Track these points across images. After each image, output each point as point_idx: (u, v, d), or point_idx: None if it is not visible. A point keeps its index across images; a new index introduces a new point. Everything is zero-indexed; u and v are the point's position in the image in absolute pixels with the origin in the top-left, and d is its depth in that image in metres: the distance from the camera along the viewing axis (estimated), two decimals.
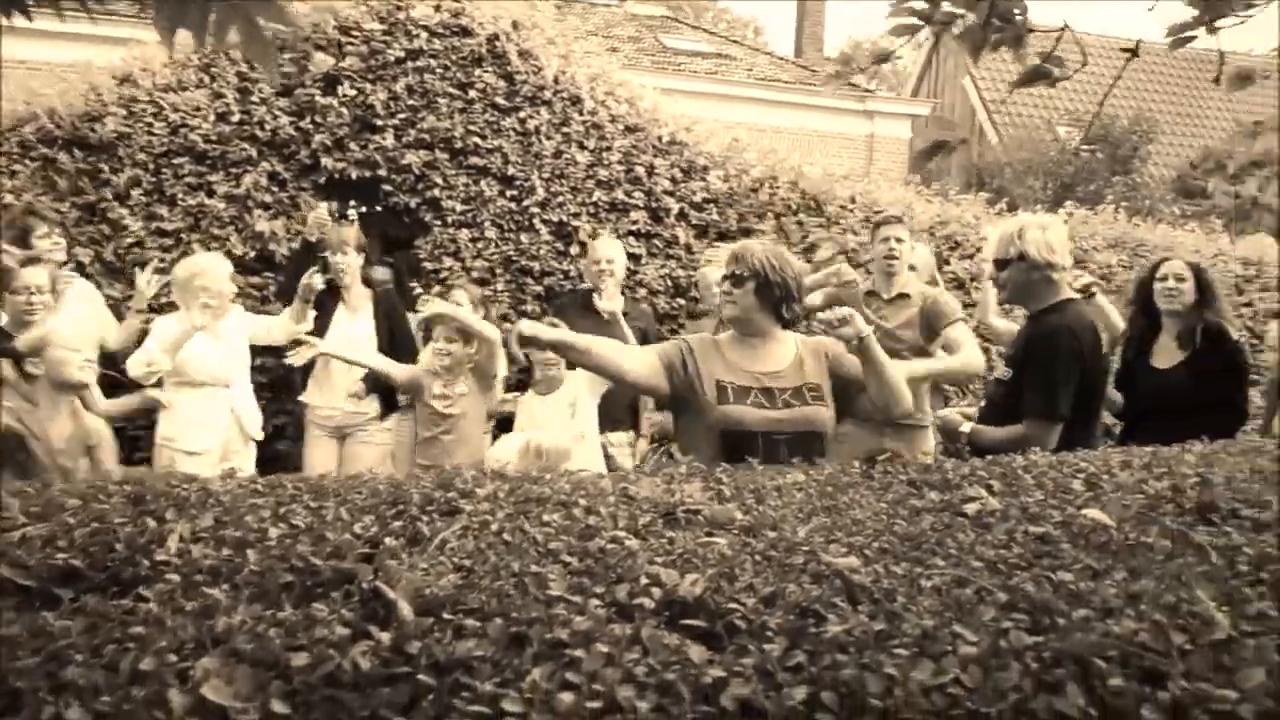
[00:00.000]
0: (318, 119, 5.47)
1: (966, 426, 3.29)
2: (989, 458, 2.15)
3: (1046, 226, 3.25)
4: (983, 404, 3.48)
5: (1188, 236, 7.64)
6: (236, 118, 5.39)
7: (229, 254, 4.98)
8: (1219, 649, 1.00)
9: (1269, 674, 0.96)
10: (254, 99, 5.42)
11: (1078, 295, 3.30)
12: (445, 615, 1.02)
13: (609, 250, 4.97)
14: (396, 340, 4.66)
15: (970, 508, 1.49)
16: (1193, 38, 2.28)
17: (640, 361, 2.78)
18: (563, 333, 2.85)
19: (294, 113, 5.46)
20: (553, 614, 1.02)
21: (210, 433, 4.22)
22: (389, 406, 4.64)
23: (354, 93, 5.51)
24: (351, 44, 5.57)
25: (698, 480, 1.72)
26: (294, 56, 5.47)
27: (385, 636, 0.96)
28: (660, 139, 6.00)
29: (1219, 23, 2.22)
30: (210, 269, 4.27)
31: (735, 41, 17.84)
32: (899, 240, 4.19)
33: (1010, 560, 1.23)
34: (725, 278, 2.82)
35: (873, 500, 1.56)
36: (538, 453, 3.73)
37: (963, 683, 0.89)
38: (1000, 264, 3.25)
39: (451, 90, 5.66)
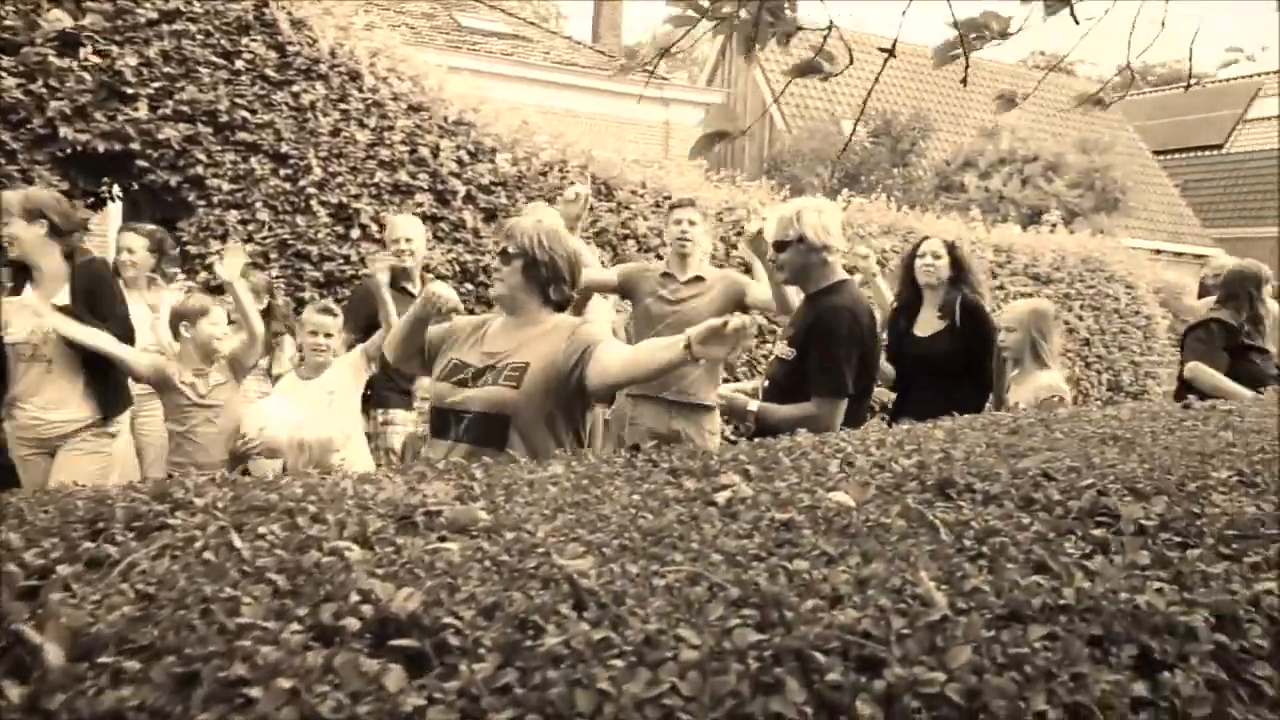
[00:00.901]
0: (53, 83, 4.88)
1: (754, 405, 3.35)
2: (757, 441, 2.18)
3: (822, 210, 3.37)
4: (765, 383, 3.56)
5: (950, 225, 8.24)
6: None
7: None
8: (934, 629, 1.01)
9: (976, 650, 0.98)
10: None
11: (849, 278, 3.44)
12: (104, 659, 0.88)
13: (408, 228, 4.75)
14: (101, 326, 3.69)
15: (721, 496, 1.47)
16: (955, 58, 2.46)
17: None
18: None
19: (22, 74, 4.84)
20: (236, 646, 0.89)
21: None
22: (108, 409, 3.83)
23: (97, 57, 4.95)
24: (93, 1, 5.01)
25: (448, 478, 1.61)
26: (22, 9, 4.85)
27: (16, 693, 0.80)
28: (446, 119, 5.80)
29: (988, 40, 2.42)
30: None
31: (533, 24, 17.63)
32: (691, 223, 4.25)
33: (750, 551, 1.21)
34: (495, 255, 2.74)
35: (627, 493, 1.52)
36: (302, 446, 3.51)
37: (680, 691, 0.84)
38: (780, 246, 3.34)
39: (215, 59, 5.21)
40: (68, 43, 4.93)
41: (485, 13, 16.79)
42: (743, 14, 2.33)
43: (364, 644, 0.93)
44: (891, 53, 2.61)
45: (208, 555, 1.16)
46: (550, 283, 2.65)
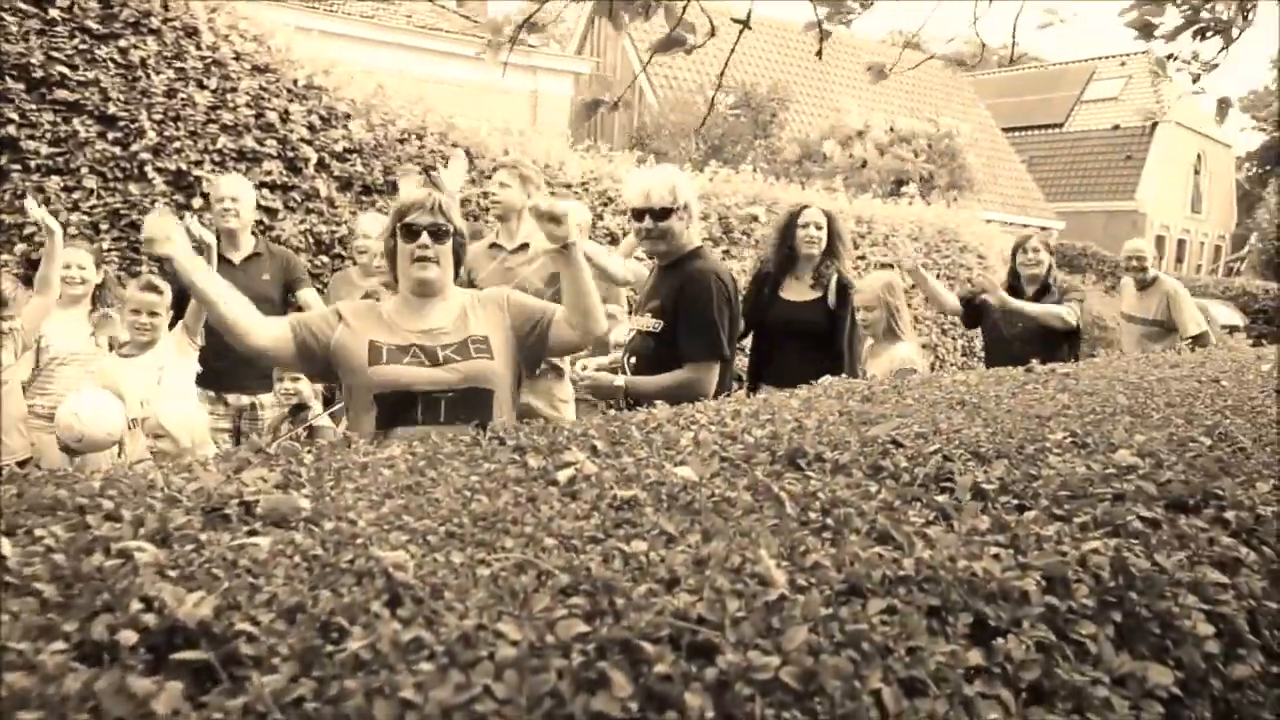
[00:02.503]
0: None
1: (621, 380, 3.28)
2: (611, 415, 2.12)
3: (677, 176, 3.33)
4: (630, 359, 3.49)
5: (814, 196, 8.39)
6: None
7: None
8: (771, 610, 0.97)
9: (813, 630, 0.95)
10: None
11: (703, 242, 3.43)
12: None
13: (233, 188, 4.46)
14: None
15: (563, 475, 1.41)
16: (828, 34, 2.50)
17: (267, 330, 2.44)
18: (204, 274, 2.43)
19: None
20: None
21: None
22: None
23: None
24: None
25: (272, 464, 1.49)
26: None
27: None
28: (295, 82, 5.48)
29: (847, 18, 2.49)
30: None
31: None
32: (503, 185, 4.09)
33: (587, 533, 1.15)
34: (420, 231, 2.49)
35: (464, 474, 1.43)
36: (156, 432, 3.25)
37: (494, 694, 0.77)
38: (663, 214, 3.26)
39: (23, 5, 4.73)
40: None
41: None
42: None
43: (139, 660, 0.83)
44: (746, 24, 2.60)
45: None
46: (460, 257, 2.58)
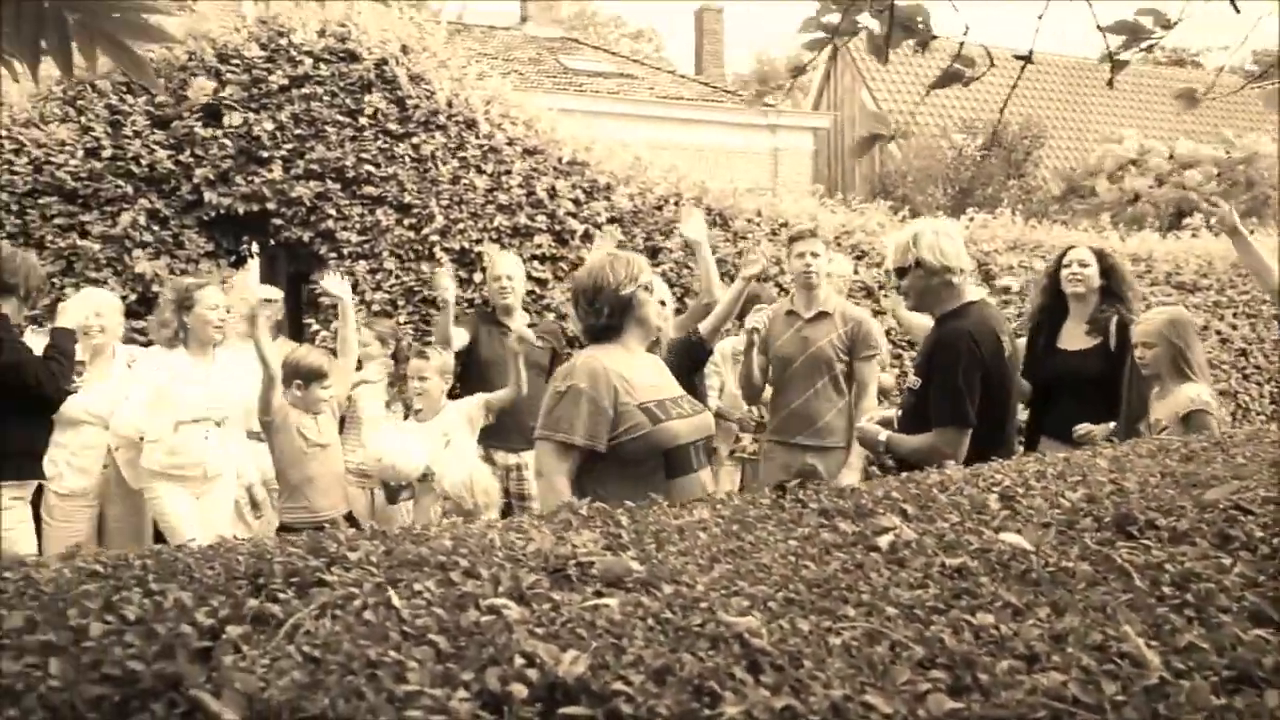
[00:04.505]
0: (199, 151, 5.19)
1: (884, 435, 3.27)
2: (904, 476, 2.08)
3: (940, 232, 3.24)
4: (898, 413, 3.47)
5: (1081, 236, 7.85)
6: (109, 152, 5.08)
7: None
8: (1153, 694, 0.90)
9: None
10: (127, 132, 5.12)
11: (979, 299, 3.30)
12: None
13: (508, 267, 4.86)
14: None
15: (883, 540, 1.39)
16: (1125, 64, 2.37)
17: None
18: None
19: (172, 145, 5.17)
20: (407, 716, 0.87)
21: (81, 476, 4.01)
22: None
23: (238, 122, 5.24)
24: (232, 72, 5.31)
25: (595, 525, 1.58)
26: (171, 86, 5.19)
27: None
28: (560, 160, 5.89)
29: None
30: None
31: (637, 61, 17.89)
32: (814, 255, 4.15)
33: (927, 603, 1.12)
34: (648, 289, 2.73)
35: (781, 538, 1.45)
36: (445, 494, 3.55)
37: None
38: (900, 272, 3.26)
39: (340, 118, 5.44)
40: (210, 113, 5.24)
41: (589, 54, 17.15)
42: (874, 26, 2.30)
43: (533, 712, 0.90)
44: (1028, 59, 2.51)
45: (368, 615, 1.15)
46: None
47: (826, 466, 3.96)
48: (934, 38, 2.48)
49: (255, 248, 5.84)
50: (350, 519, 4.19)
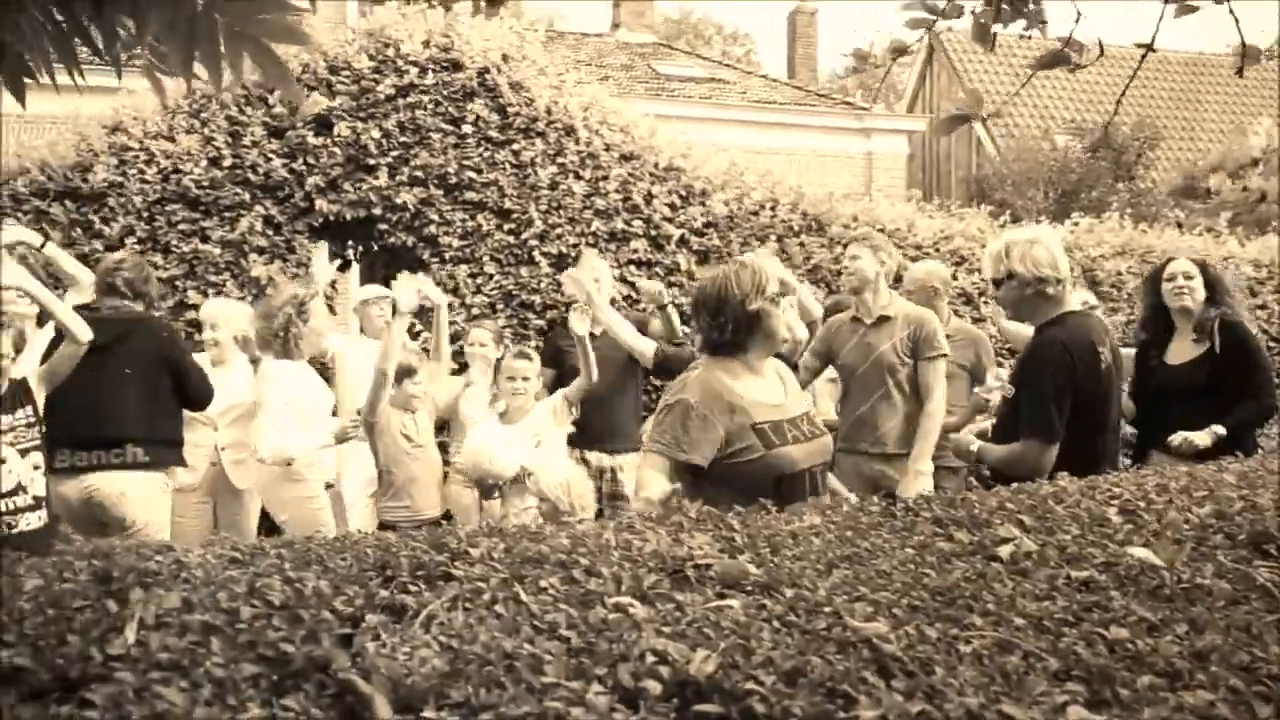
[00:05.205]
0: (310, 160, 5.41)
1: (975, 445, 3.28)
2: (1015, 486, 2.04)
3: (1035, 241, 3.17)
4: (993, 422, 3.44)
5: (1195, 240, 7.51)
6: (228, 162, 5.33)
7: None
8: None
9: None
10: (245, 143, 5.37)
11: (1080, 308, 3.23)
12: (426, 713, 0.91)
13: (597, 268, 4.88)
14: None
15: (1004, 550, 1.37)
16: (1196, 7, 2.24)
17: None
18: None
19: (286, 155, 5.40)
20: (547, 706, 0.90)
21: (189, 473, 4.24)
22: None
23: (347, 132, 5.45)
24: (342, 83, 5.52)
25: (707, 528, 1.60)
26: (284, 98, 5.42)
27: None
28: (657, 166, 5.92)
29: None
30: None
31: (729, 65, 17.87)
32: (854, 258, 4.09)
33: (1056, 615, 1.11)
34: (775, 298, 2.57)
35: (897, 546, 1.44)
36: (541, 495, 3.61)
37: None
38: (995, 283, 3.24)
39: (444, 125, 5.59)
40: (321, 122, 5.45)
41: (681, 59, 17.20)
42: (979, 5, 2.25)
43: (668, 708, 0.92)
44: (1150, 47, 2.41)
45: (499, 609, 1.19)
46: None
47: (892, 473, 3.91)
48: (1044, 22, 2.39)
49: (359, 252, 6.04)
50: (448, 518, 4.30)
